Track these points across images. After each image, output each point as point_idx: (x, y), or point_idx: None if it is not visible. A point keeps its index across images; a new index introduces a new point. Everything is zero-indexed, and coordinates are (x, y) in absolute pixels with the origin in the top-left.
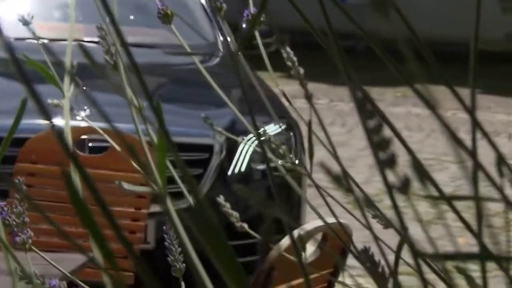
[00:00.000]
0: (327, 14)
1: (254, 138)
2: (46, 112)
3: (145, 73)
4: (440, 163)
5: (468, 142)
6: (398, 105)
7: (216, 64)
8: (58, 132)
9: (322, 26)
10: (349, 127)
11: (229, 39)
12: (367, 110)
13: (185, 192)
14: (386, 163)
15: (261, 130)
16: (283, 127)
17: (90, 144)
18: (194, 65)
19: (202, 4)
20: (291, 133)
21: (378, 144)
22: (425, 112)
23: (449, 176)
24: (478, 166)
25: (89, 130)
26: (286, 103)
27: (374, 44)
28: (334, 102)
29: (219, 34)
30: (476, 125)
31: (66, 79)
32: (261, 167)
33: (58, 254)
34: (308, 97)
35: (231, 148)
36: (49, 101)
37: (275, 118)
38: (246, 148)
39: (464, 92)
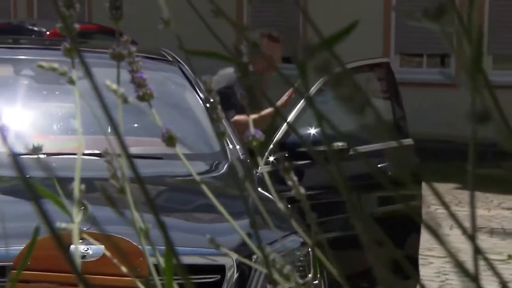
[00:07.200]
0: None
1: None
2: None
3: (149, 185)
4: (424, 258)
5: (449, 237)
6: None
7: (224, 173)
8: (58, 238)
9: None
10: None
11: (237, 147)
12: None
13: None
14: None
15: (276, 247)
16: (300, 242)
17: (84, 250)
18: (201, 176)
19: None
20: (308, 249)
21: None
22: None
23: (434, 271)
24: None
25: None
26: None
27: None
28: None
29: (228, 142)
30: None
31: (75, 207)
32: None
33: None
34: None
35: (246, 267)
36: (57, 224)
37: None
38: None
39: (443, 188)
